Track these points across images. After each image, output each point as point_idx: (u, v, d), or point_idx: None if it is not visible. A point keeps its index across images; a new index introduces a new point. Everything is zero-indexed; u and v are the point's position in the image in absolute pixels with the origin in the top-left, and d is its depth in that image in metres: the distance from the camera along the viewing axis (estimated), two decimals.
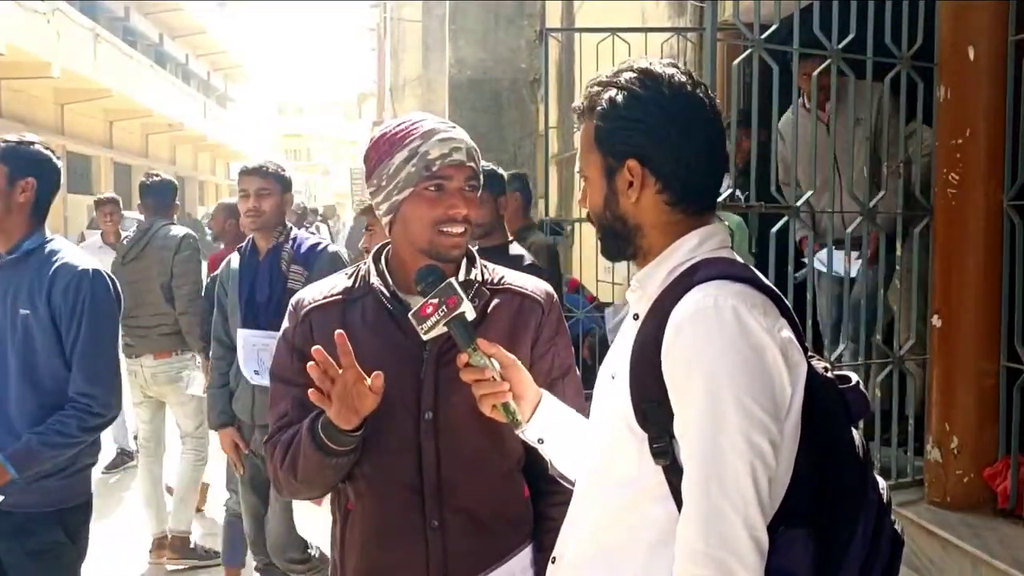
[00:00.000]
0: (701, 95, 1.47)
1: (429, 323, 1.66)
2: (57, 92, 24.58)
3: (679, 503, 1.36)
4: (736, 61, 3.67)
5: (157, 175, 5.46)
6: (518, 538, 1.92)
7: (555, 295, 2.00)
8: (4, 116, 21.73)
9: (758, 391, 1.31)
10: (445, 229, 1.81)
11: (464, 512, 1.85)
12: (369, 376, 1.69)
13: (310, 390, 1.68)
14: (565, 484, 1.74)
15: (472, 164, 1.83)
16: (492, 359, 1.67)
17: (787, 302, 1.44)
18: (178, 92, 33.60)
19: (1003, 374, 3.66)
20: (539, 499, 1.96)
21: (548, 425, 1.71)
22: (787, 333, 1.37)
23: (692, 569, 1.30)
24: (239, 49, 45.58)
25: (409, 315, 1.69)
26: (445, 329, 1.67)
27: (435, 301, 1.66)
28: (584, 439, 1.67)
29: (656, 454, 1.38)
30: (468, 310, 1.67)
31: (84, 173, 28.27)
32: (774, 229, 3.77)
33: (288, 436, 1.85)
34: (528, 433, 1.71)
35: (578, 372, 2.03)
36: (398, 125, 1.86)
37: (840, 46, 3.71)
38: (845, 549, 1.36)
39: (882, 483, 1.46)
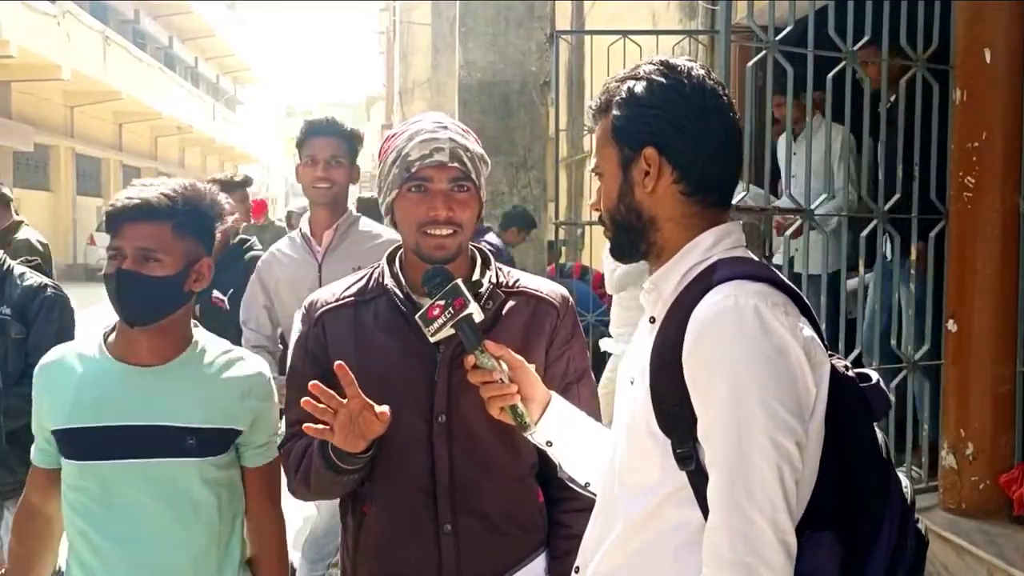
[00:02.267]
0: (720, 90, 1.46)
1: (436, 325, 1.65)
2: (67, 94, 24.66)
3: (704, 509, 1.33)
4: (750, 63, 3.64)
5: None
6: (532, 544, 1.90)
7: (570, 298, 1.98)
8: (14, 118, 21.81)
9: (783, 392, 1.29)
10: (428, 231, 1.80)
11: (477, 516, 1.83)
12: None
13: (304, 425, 1.66)
14: (576, 488, 1.72)
15: (457, 164, 1.81)
16: (501, 361, 1.65)
17: (807, 301, 1.42)
18: (187, 95, 33.68)
19: (1019, 379, 3.63)
20: (553, 505, 1.93)
21: (558, 428, 1.69)
22: (809, 332, 1.35)
23: (720, 575, 1.27)
24: (248, 52, 45.68)
25: (416, 317, 1.68)
26: (452, 331, 1.65)
27: (442, 303, 1.64)
28: (596, 443, 1.65)
29: (680, 459, 1.36)
30: (475, 311, 1.65)
31: (93, 175, 28.37)
32: (787, 232, 3.74)
33: (301, 447, 1.84)
34: (537, 436, 1.69)
35: (593, 376, 2.01)
36: (400, 126, 1.89)
37: (855, 48, 3.68)
38: (871, 550, 1.34)
39: (905, 482, 1.44)
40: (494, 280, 1.89)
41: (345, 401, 1.65)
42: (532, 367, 1.74)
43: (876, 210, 3.83)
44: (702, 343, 1.32)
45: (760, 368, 1.28)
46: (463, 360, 1.72)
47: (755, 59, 3.62)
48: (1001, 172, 3.60)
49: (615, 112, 1.46)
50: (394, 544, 1.84)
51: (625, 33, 5.16)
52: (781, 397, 1.28)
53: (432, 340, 1.69)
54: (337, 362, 1.67)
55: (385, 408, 1.67)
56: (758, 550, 1.25)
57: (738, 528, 1.26)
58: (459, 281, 1.67)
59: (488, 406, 1.65)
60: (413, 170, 1.79)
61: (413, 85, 19.51)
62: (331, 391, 1.65)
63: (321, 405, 1.65)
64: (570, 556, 1.67)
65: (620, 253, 1.54)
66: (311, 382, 1.65)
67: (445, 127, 1.84)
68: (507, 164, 7.71)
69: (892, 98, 3.94)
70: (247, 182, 5.47)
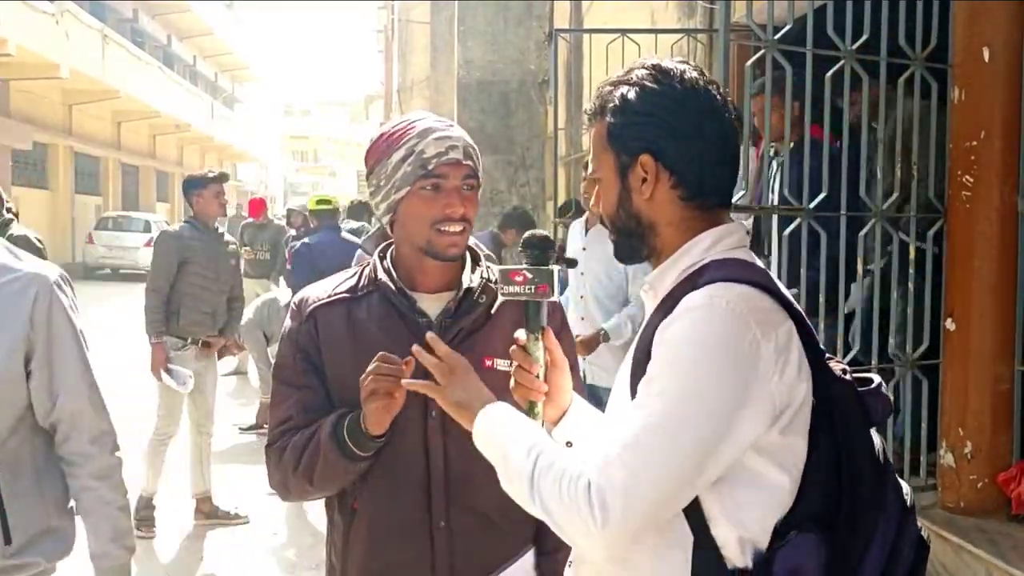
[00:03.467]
0: (714, 91, 1.45)
1: (511, 289, 1.60)
2: (65, 93, 24.65)
3: (688, 505, 1.33)
4: (749, 62, 3.64)
5: None
6: (522, 540, 1.91)
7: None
8: (12, 116, 21.79)
9: (738, 387, 1.28)
10: (443, 228, 1.80)
11: (471, 511, 1.84)
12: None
13: (385, 392, 1.68)
14: None
15: (469, 163, 1.82)
16: (546, 353, 1.61)
17: (798, 307, 1.41)
18: (185, 93, 33.65)
19: (1018, 378, 3.63)
20: None
21: (577, 429, 1.67)
22: (791, 338, 1.34)
23: (594, 476, 1.28)
24: (246, 50, 45.64)
25: (498, 268, 1.70)
26: (513, 299, 1.61)
27: (529, 275, 1.59)
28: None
29: None
30: (547, 302, 1.61)
31: (92, 174, 28.38)
32: (786, 231, 3.74)
33: (300, 441, 1.82)
34: (557, 436, 1.68)
35: (580, 371, 2.01)
36: (396, 125, 1.86)
37: (854, 47, 3.68)
38: (862, 556, 1.34)
39: (905, 487, 1.43)
40: (485, 276, 1.91)
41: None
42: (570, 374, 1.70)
43: (875, 209, 3.83)
44: (671, 330, 1.32)
45: (723, 360, 1.28)
46: (457, 350, 1.73)
47: (754, 58, 3.62)
48: (1000, 171, 3.60)
49: (610, 119, 1.46)
50: (387, 540, 1.84)
51: (624, 31, 5.17)
52: (736, 391, 1.28)
53: (502, 298, 1.64)
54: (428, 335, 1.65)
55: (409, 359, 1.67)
56: (626, 491, 1.26)
57: (627, 461, 1.27)
58: (555, 270, 1.61)
59: (513, 390, 1.61)
60: (430, 167, 1.79)
61: (412, 84, 19.50)
62: (398, 360, 1.67)
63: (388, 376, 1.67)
64: (559, 552, 1.67)
65: (622, 256, 1.54)
66: (380, 353, 1.68)
67: (451, 124, 1.85)
68: (506, 163, 7.72)
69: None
70: (222, 177, 5.49)
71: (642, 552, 1.38)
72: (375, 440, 1.73)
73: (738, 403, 1.28)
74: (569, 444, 1.68)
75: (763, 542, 1.32)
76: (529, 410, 1.62)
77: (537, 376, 1.59)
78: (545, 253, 1.62)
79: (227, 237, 5.68)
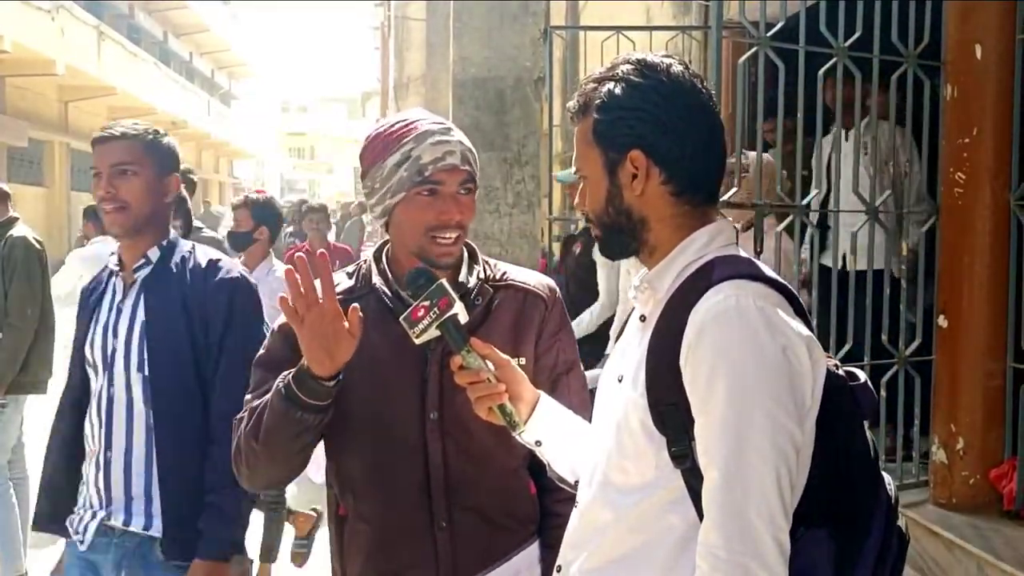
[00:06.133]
0: (699, 84, 1.45)
1: (421, 326, 1.63)
2: (61, 89, 24.59)
3: (698, 507, 1.33)
4: (742, 59, 3.65)
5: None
6: (524, 534, 1.92)
7: (557, 289, 1.98)
8: (8, 113, 21.74)
9: (784, 394, 1.29)
10: (437, 235, 1.78)
11: (472, 511, 1.83)
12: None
13: (280, 296, 1.62)
14: (564, 487, 1.72)
15: (467, 167, 1.80)
16: (487, 360, 1.64)
17: (801, 301, 1.43)
18: (182, 90, 33.57)
19: (1010, 374, 3.64)
20: (544, 495, 1.94)
21: (546, 427, 1.68)
22: (807, 331, 1.36)
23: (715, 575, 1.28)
24: (243, 47, 45.52)
25: (400, 319, 1.65)
26: (438, 332, 1.64)
27: (426, 303, 1.62)
28: (585, 442, 1.64)
29: (675, 457, 1.36)
30: (460, 311, 1.64)
31: (88, 170, 28.07)
32: (780, 227, 3.75)
33: (259, 403, 1.76)
34: (526, 436, 1.68)
35: (582, 367, 2.01)
36: (392, 125, 1.83)
37: (846, 44, 3.69)
38: (861, 547, 1.35)
39: (888, 480, 1.45)
40: (482, 275, 1.89)
41: (320, 301, 1.62)
42: (520, 361, 1.73)
43: (868, 206, 3.84)
44: (703, 343, 1.31)
45: (763, 369, 1.28)
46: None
47: (747, 55, 3.62)
48: (991, 168, 3.61)
49: (595, 116, 1.45)
50: (389, 543, 1.83)
51: (619, 29, 5.18)
52: (782, 399, 1.28)
53: (417, 342, 1.66)
54: (320, 251, 1.65)
55: (355, 306, 1.64)
56: (754, 551, 1.26)
57: (734, 528, 1.27)
58: (443, 281, 1.65)
59: (476, 407, 1.64)
60: (427, 173, 1.76)
61: (408, 80, 19.48)
62: (312, 283, 1.62)
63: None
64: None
65: (610, 252, 1.55)
66: (297, 255, 1.64)
67: (449, 128, 1.82)
68: (501, 160, 7.69)
69: None
70: None
71: (655, 556, 1.39)
72: (320, 383, 1.64)
73: (790, 415, 1.29)
74: (538, 443, 1.68)
75: None
76: (502, 415, 1.63)
77: (488, 380, 1.61)
78: (426, 277, 1.66)
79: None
